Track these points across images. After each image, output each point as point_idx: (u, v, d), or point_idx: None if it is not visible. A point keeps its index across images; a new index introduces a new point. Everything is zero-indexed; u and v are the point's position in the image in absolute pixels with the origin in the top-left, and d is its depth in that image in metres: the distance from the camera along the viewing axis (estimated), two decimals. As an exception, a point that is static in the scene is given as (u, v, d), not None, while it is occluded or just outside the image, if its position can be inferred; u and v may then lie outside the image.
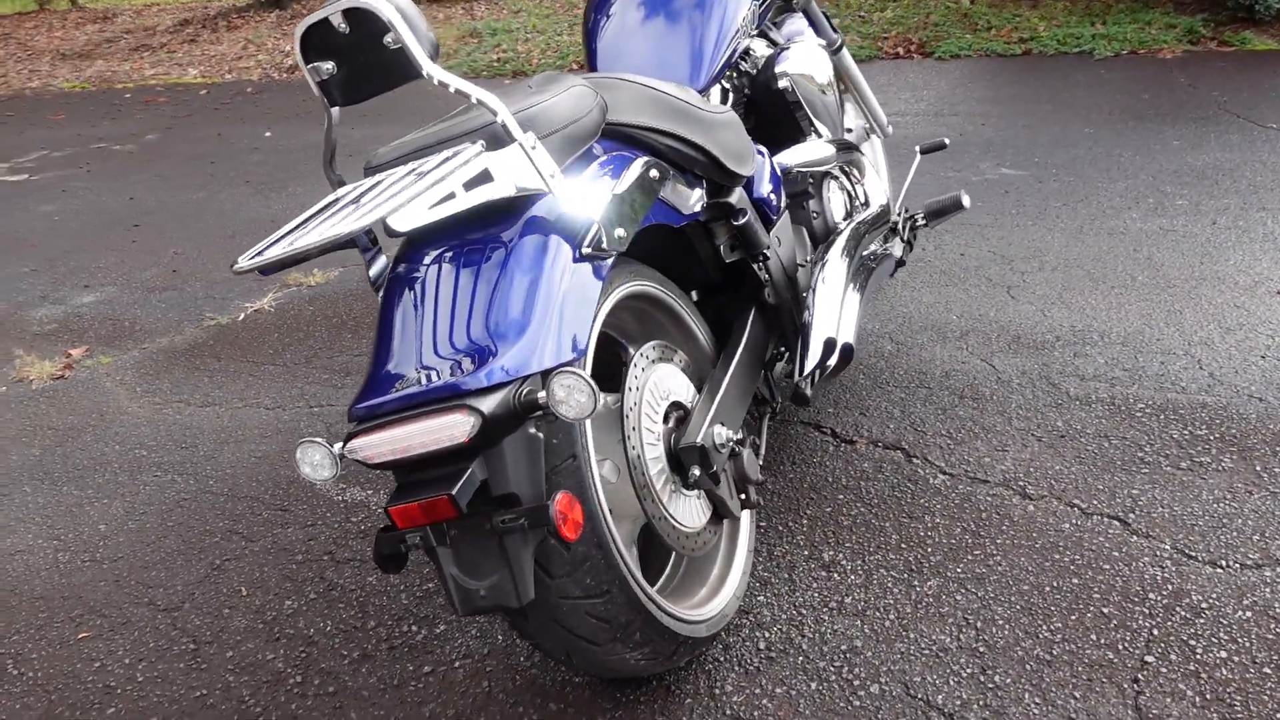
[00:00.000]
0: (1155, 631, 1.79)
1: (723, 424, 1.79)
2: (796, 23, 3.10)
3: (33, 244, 5.14)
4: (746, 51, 2.52)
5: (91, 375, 3.47)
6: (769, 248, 2.06)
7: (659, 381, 1.76)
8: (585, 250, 1.52)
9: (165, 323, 3.86)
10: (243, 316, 3.79)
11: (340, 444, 1.39)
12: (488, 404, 1.32)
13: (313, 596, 2.17)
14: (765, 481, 2.01)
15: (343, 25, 1.45)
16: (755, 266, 2.05)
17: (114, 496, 2.67)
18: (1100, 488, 2.20)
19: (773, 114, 2.49)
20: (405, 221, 1.40)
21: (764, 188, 2.15)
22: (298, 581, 2.22)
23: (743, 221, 1.99)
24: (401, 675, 1.92)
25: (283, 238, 1.40)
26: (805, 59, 2.49)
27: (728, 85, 2.42)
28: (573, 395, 1.35)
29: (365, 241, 1.61)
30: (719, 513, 1.85)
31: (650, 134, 1.80)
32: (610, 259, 1.57)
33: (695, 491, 1.79)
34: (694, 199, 1.88)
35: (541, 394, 1.35)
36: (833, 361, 2.00)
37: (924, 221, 2.75)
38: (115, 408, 3.20)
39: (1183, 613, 1.82)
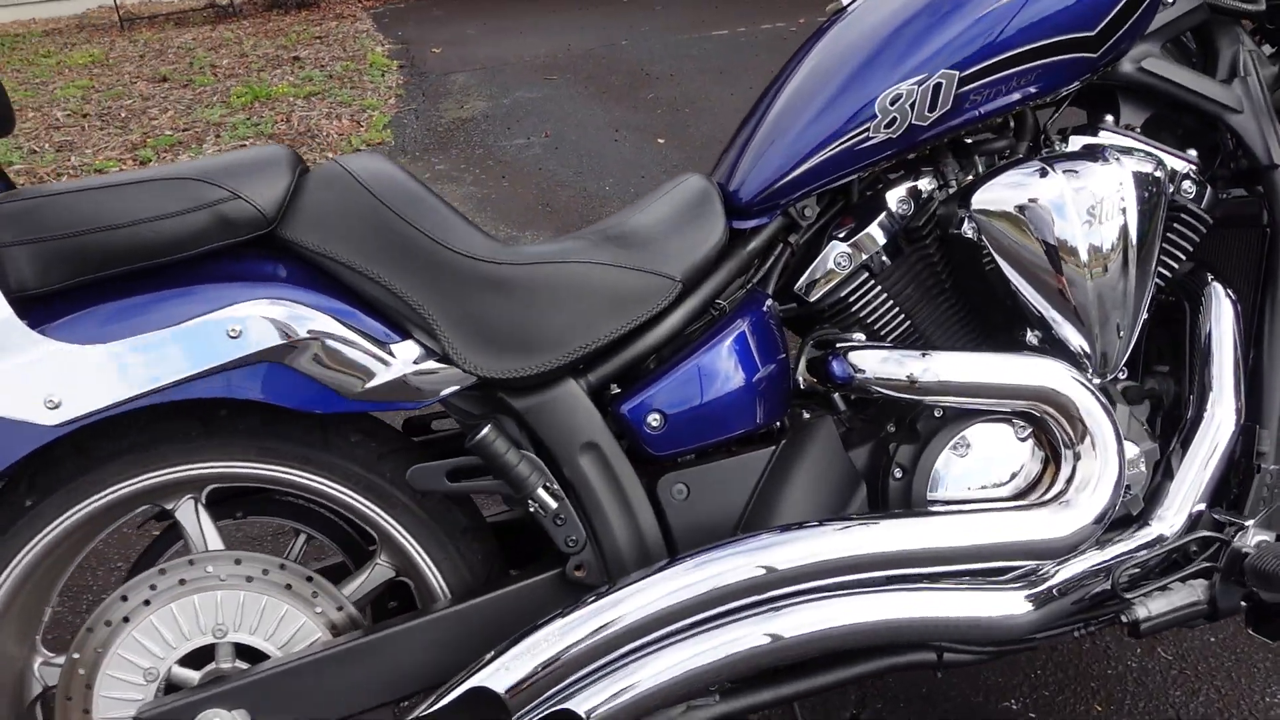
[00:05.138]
0: None
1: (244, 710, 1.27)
2: None
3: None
4: (972, 147, 1.41)
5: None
6: (555, 499, 1.30)
7: (197, 611, 1.29)
8: None
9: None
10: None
11: None
12: None
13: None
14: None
15: None
16: (550, 521, 1.31)
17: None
18: None
19: (962, 276, 1.42)
20: None
21: (659, 402, 1.32)
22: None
23: (475, 439, 1.25)
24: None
25: None
26: (1043, 187, 1.29)
27: (901, 208, 1.37)
28: None
29: None
30: None
31: (340, 268, 1.23)
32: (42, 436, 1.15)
33: None
34: (390, 374, 1.22)
35: None
36: None
37: (1251, 581, 1.35)
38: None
39: None
